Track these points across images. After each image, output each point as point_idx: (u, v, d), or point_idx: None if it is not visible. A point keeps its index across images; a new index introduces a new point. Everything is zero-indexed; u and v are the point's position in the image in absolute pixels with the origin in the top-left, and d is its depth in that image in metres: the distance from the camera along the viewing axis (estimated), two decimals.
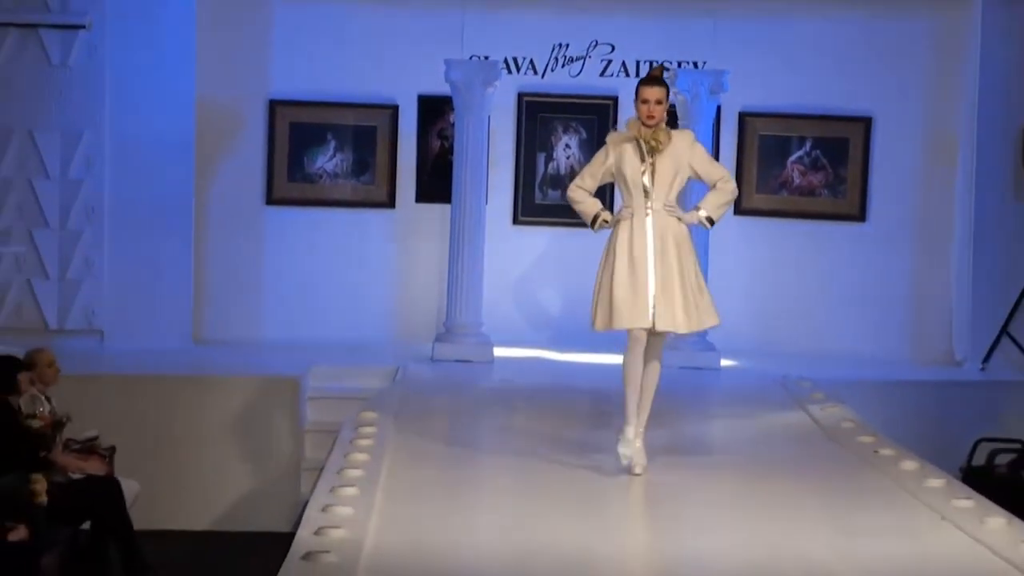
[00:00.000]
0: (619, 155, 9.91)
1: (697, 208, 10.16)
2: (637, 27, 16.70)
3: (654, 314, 9.71)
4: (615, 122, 16.90)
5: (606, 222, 10.12)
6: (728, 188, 10.03)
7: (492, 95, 16.01)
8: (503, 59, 16.41)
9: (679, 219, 9.92)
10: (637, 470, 9.98)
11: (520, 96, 16.94)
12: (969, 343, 16.10)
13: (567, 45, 16.89)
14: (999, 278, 16.01)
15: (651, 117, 9.71)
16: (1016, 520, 9.68)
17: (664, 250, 9.76)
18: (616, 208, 10.76)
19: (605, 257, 10.06)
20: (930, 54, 16.61)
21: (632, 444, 10.03)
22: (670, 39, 16.45)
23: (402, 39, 16.52)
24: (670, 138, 9.78)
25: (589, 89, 17.03)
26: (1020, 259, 15.97)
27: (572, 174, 17.02)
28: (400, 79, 16.72)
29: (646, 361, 9.94)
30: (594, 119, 17.10)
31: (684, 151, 9.86)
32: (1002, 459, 13.41)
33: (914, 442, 11.94)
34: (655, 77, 9.84)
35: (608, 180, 10.29)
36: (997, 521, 9.56)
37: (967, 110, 16.38)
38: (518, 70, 16.81)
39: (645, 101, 9.72)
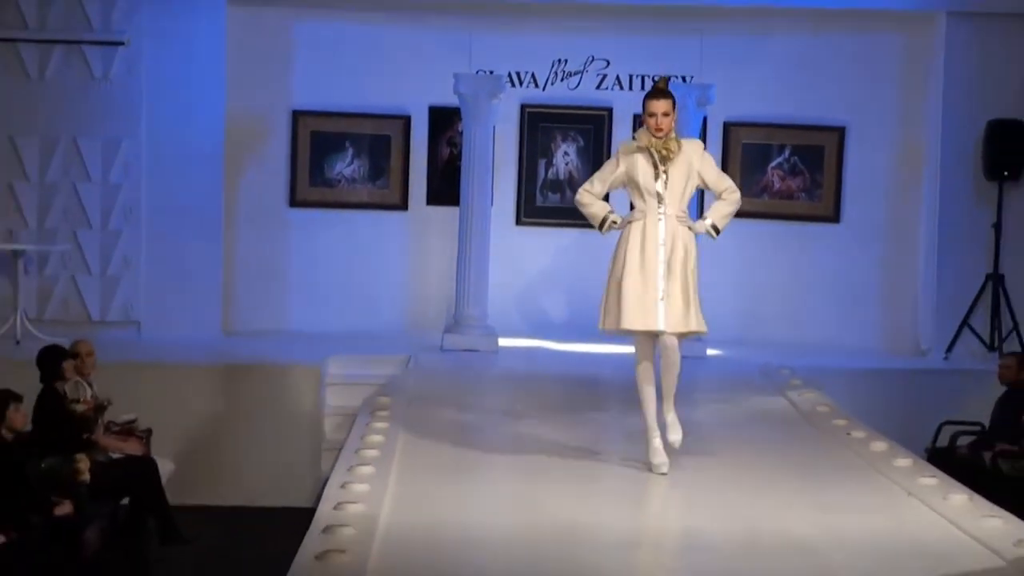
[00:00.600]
0: (631, 164, 9.41)
1: (704, 218, 9.72)
2: (630, 44, 16.69)
3: (661, 316, 9.21)
4: (610, 132, 16.97)
5: (615, 223, 9.60)
6: (734, 199, 9.56)
7: (497, 106, 15.98)
8: (507, 73, 16.39)
9: (689, 227, 9.45)
10: (663, 468, 9.48)
11: (523, 107, 16.93)
12: (934, 334, 16.12)
13: (566, 61, 16.87)
14: (961, 275, 16.02)
15: (659, 129, 9.24)
16: (976, 496, 9.72)
17: (673, 255, 9.26)
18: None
19: (615, 259, 9.51)
20: (899, 69, 16.62)
21: (659, 451, 9.55)
22: (660, 55, 16.42)
23: (414, 55, 16.52)
24: (680, 147, 9.33)
25: (586, 101, 17.01)
26: (980, 258, 15.98)
27: (571, 179, 17.12)
28: (412, 91, 16.72)
29: (664, 357, 9.42)
30: (591, 128, 17.11)
31: (695, 160, 9.40)
32: (963, 441, 13.41)
33: (883, 425, 11.96)
34: (660, 90, 9.34)
35: (617, 187, 9.79)
36: (959, 497, 9.60)
37: (933, 120, 16.39)
38: (521, 83, 16.80)
39: (652, 114, 9.26)
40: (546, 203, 17.16)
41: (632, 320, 9.23)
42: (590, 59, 16.85)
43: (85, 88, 16.10)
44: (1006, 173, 16.02)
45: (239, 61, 16.16)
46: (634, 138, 9.55)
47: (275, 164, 16.82)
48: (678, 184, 9.32)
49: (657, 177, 9.28)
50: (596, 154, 16.97)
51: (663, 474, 9.37)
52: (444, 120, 16.75)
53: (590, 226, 16.47)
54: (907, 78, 16.61)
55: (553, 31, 16.64)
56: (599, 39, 16.70)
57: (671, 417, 9.56)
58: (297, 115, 16.83)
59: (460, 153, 16.13)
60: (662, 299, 9.19)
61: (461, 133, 16.08)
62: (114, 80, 16.08)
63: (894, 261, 16.79)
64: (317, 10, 16.36)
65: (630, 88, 16.84)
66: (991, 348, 15.57)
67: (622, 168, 9.47)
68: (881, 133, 16.54)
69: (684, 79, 15.90)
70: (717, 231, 9.58)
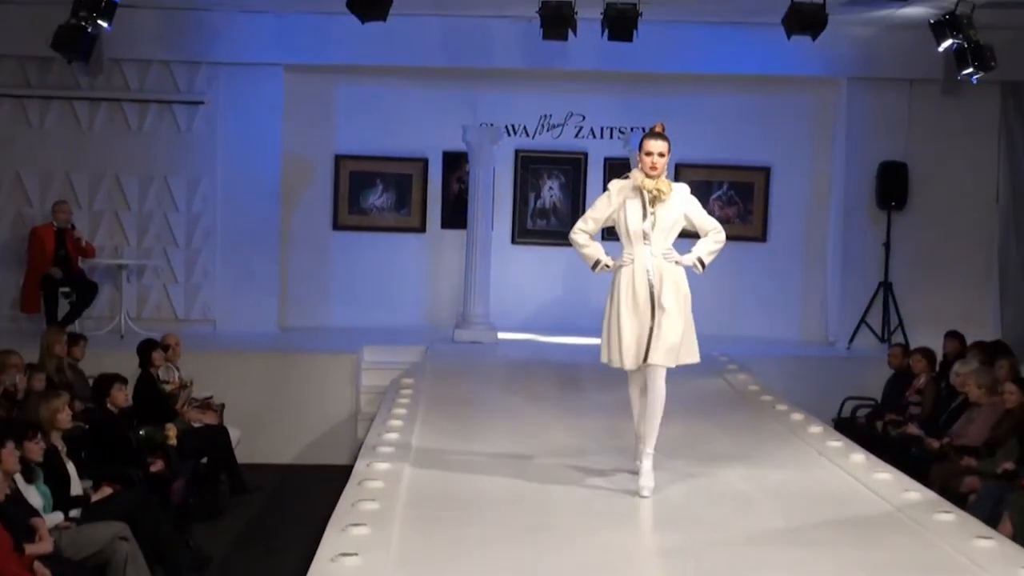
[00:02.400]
0: (622, 202, 8.03)
1: (692, 252, 8.21)
2: (601, 102, 16.66)
3: (650, 348, 7.91)
4: (586, 171, 16.94)
5: (607, 267, 8.19)
6: (719, 238, 8.26)
7: (496, 151, 15.98)
8: (504, 126, 16.33)
9: (676, 262, 8.07)
10: (644, 493, 7.99)
11: (517, 152, 16.88)
12: (838, 329, 16.10)
13: (550, 115, 16.83)
14: (859, 283, 16.02)
15: (654, 168, 7.94)
16: (872, 456, 9.75)
17: (664, 291, 7.92)
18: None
19: (610, 299, 8.14)
20: (811, 121, 16.61)
21: (645, 473, 8.07)
22: (625, 110, 16.44)
23: (431, 110, 16.49)
24: (671, 189, 7.99)
25: (566, 147, 16.95)
26: (874, 270, 15.97)
27: (555, 208, 17.10)
28: (430, 140, 16.67)
29: (648, 390, 8.06)
30: (570, 169, 17.05)
31: (682, 202, 8.05)
32: (861, 412, 13.44)
33: (800, 400, 11.95)
34: (658, 133, 8.17)
35: (609, 224, 8.29)
36: (858, 456, 9.64)
37: (837, 162, 16.38)
38: (515, 133, 16.75)
39: (649, 153, 8.00)
40: (535, 227, 17.14)
41: (628, 361, 7.99)
42: (570, 114, 16.82)
43: (173, 138, 16.10)
44: (893, 203, 16.01)
45: (293, 116, 16.14)
46: (627, 177, 8.15)
47: (321, 196, 16.78)
48: (665, 224, 7.98)
49: (645, 217, 7.95)
50: (575, 189, 17.02)
51: (642, 495, 7.94)
52: (454, 162, 16.72)
53: (570, 245, 16.76)
54: (817, 129, 16.60)
55: (540, 92, 16.62)
56: (577, 98, 16.68)
57: (647, 464, 8.05)
58: (339, 158, 16.79)
59: (467, 188, 16.10)
60: (654, 335, 7.91)
61: (468, 172, 16.04)
62: (196, 131, 16.07)
63: (808, 271, 16.77)
64: (354, 76, 16.33)
65: (601, 137, 16.85)
66: (882, 340, 15.56)
67: (614, 205, 8.09)
68: (798, 172, 16.54)
69: (643, 129, 15.86)
70: (703, 265, 8.21)
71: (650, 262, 7.96)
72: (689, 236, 8.24)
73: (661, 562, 6.81)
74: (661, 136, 8.08)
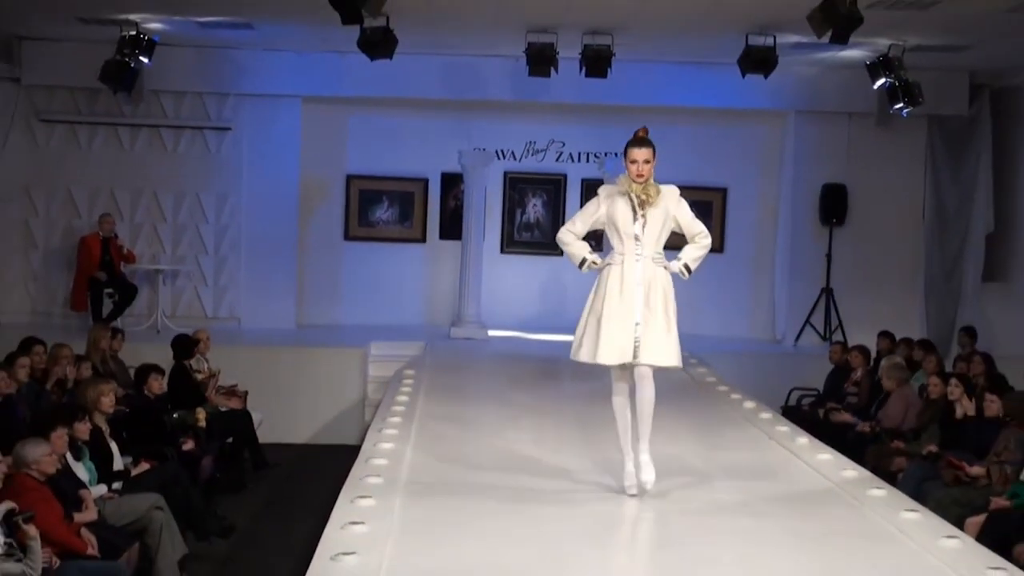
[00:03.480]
0: (611, 206, 7.28)
1: (678, 259, 7.49)
2: (579, 130, 16.63)
3: (638, 348, 7.17)
4: (565, 190, 16.93)
5: (594, 263, 7.45)
6: (705, 243, 7.52)
7: (488, 173, 15.97)
8: (495, 150, 16.35)
9: (665, 267, 7.34)
10: (633, 491, 7.39)
11: (505, 173, 16.85)
12: (786, 329, 16.11)
13: (535, 141, 16.81)
14: (804, 289, 16.02)
15: (640, 175, 7.16)
16: (815, 440, 9.76)
17: (651, 294, 7.20)
18: (604, 252, 7.75)
19: (595, 296, 7.34)
20: (763, 149, 16.62)
21: (631, 475, 7.44)
22: (600, 137, 16.40)
23: (431, 136, 16.47)
24: (659, 192, 7.25)
25: (548, 170, 16.92)
26: (817, 277, 15.99)
27: (538, 223, 17.08)
28: (429, 162, 16.63)
29: (638, 390, 7.30)
30: (551, 188, 17.02)
31: (671, 205, 7.31)
32: (805, 401, 13.47)
33: (752, 390, 11.94)
34: (641, 138, 7.33)
35: (598, 228, 7.55)
36: (802, 440, 9.65)
37: (786, 184, 16.39)
38: (504, 157, 16.73)
39: (634, 161, 7.19)
40: (521, 239, 17.12)
41: (607, 356, 7.18)
42: (551, 141, 16.79)
43: (204, 159, 16.08)
44: (834, 220, 16.03)
45: (309, 140, 16.10)
46: (615, 182, 7.38)
47: (334, 211, 16.75)
48: (655, 227, 7.24)
49: (635, 220, 7.21)
50: (556, 206, 16.98)
51: (633, 495, 7.34)
52: (451, 182, 16.68)
53: (554, 255, 16.77)
54: (768, 155, 16.61)
55: (526, 121, 16.60)
56: (558, 127, 16.66)
57: (645, 458, 7.36)
58: (349, 177, 16.75)
59: (462, 204, 16.08)
60: (639, 334, 7.16)
61: (463, 191, 16.04)
62: (224, 154, 16.05)
63: (759, 279, 16.76)
64: (363, 106, 16.28)
65: (579, 161, 16.81)
66: (824, 338, 15.58)
67: (603, 209, 7.33)
68: (751, 193, 16.55)
69: (616, 154, 15.85)
70: (689, 271, 7.50)
71: (641, 264, 7.21)
72: (675, 247, 7.58)
73: (632, 527, 6.84)
74: (645, 142, 7.27)
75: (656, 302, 7.21)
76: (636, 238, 7.20)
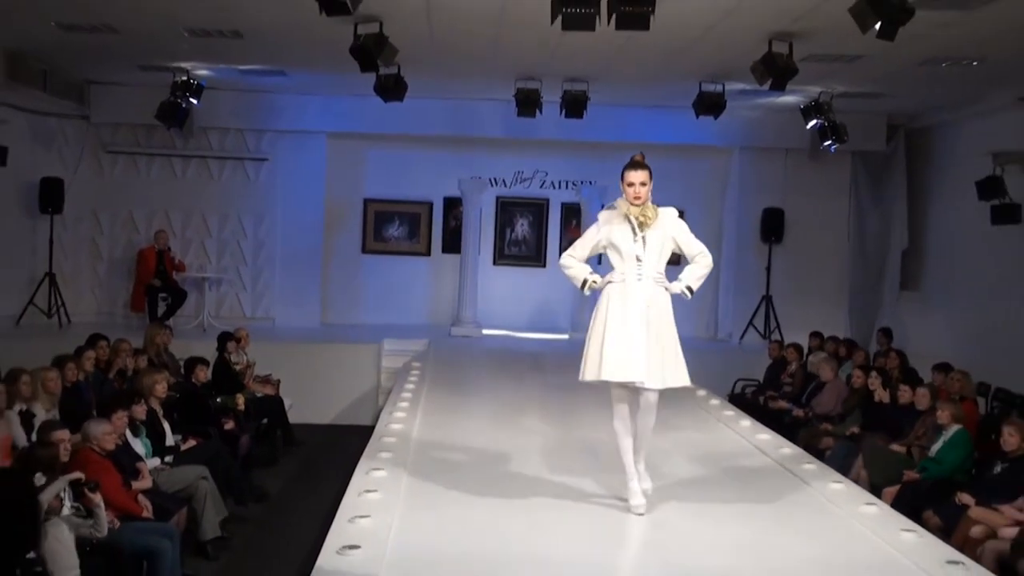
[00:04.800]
0: (610, 230, 6.37)
1: (680, 279, 6.49)
2: (559, 162, 16.61)
3: (647, 370, 6.21)
4: (548, 213, 16.94)
5: (595, 283, 6.53)
6: (706, 262, 6.56)
7: (482, 197, 16.06)
8: (489, 178, 16.39)
9: (666, 288, 6.39)
10: (640, 511, 6.41)
11: (497, 198, 16.86)
12: (732, 328, 16.12)
13: (522, 171, 16.80)
14: (748, 296, 16.04)
15: (637, 197, 6.28)
16: (756, 422, 9.79)
17: (652, 315, 6.26)
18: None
19: (596, 316, 6.39)
20: (713, 177, 16.61)
21: (636, 494, 6.50)
22: (577, 168, 16.44)
23: (435, 166, 16.46)
24: (657, 214, 6.36)
25: (533, 195, 16.93)
26: (758, 286, 16.00)
27: (524, 239, 17.08)
28: (433, 188, 16.64)
29: (641, 413, 6.41)
30: (536, 210, 17.00)
31: (670, 226, 6.41)
32: (748, 390, 13.50)
33: (703, 381, 11.85)
34: (638, 162, 6.44)
35: (598, 252, 6.59)
36: (745, 422, 9.68)
37: (730, 208, 16.44)
38: (496, 184, 16.74)
39: (631, 184, 6.31)
40: (510, 253, 17.09)
41: (612, 372, 6.20)
42: (536, 171, 16.81)
43: (244, 185, 16.06)
44: (773, 239, 16.06)
45: (333, 170, 16.11)
46: (614, 206, 6.47)
47: (353, 229, 16.75)
48: (655, 248, 6.32)
49: (636, 241, 6.31)
50: (539, 226, 17.00)
51: (640, 515, 6.38)
52: (451, 205, 16.69)
53: (538, 266, 16.86)
54: (717, 183, 16.62)
55: (515, 154, 16.59)
56: (541, 159, 16.66)
57: (641, 467, 6.60)
58: (366, 201, 16.75)
59: (461, 223, 16.11)
60: (643, 355, 6.20)
61: (462, 212, 16.07)
62: (261, 181, 16.04)
63: (707, 287, 16.73)
64: (378, 141, 16.27)
65: (559, 188, 16.80)
66: (764, 337, 15.57)
67: (603, 233, 6.41)
68: (702, 215, 16.38)
69: (591, 182, 15.91)
70: (691, 292, 6.49)
71: (643, 284, 6.29)
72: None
73: (600, 497, 6.79)
74: (641, 165, 6.40)
75: (656, 325, 6.28)
76: (637, 259, 6.30)
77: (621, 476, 6.63)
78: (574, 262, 6.57)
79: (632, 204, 6.30)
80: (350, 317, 16.47)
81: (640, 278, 6.28)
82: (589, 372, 6.29)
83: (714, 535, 6.18)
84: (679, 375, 6.30)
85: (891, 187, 15.96)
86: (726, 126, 14.30)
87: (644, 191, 6.29)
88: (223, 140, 16.02)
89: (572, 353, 11.51)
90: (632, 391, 6.36)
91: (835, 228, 16.30)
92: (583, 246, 6.54)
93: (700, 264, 6.49)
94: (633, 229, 6.32)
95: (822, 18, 9.02)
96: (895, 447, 9.52)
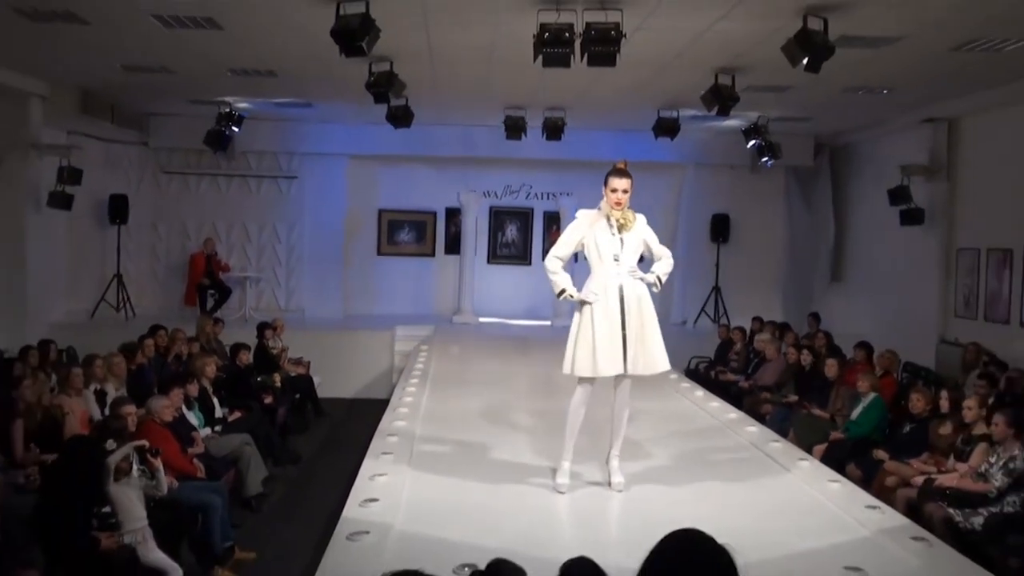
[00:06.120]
0: (592, 230, 5.93)
1: (652, 271, 6.06)
2: (542, 176, 16.56)
3: (629, 361, 5.83)
4: (532, 220, 16.92)
5: (571, 296, 5.94)
6: (670, 262, 6.21)
7: (478, 207, 16.06)
8: (483, 191, 16.40)
9: (641, 279, 5.95)
10: (563, 489, 5.90)
11: (491, 208, 16.84)
12: (687, 314, 16.14)
13: (511, 185, 16.77)
14: (699, 287, 16.07)
15: (619, 203, 5.88)
16: (708, 392, 9.83)
17: (632, 308, 5.84)
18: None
19: (581, 316, 5.87)
20: (670, 188, 16.50)
21: (566, 472, 6.02)
22: (556, 182, 16.43)
23: (438, 182, 16.42)
24: (634, 218, 5.96)
25: (521, 205, 16.90)
26: (708, 279, 16.02)
27: (513, 242, 17.05)
28: (437, 200, 16.61)
29: (618, 397, 6.01)
30: (523, 218, 16.97)
31: (642, 229, 6.00)
32: (701, 366, 13.52)
33: None
34: (621, 170, 6.00)
35: (578, 250, 6.07)
36: (699, 393, 9.71)
37: (685, 215, 16.44)
38: (489, 196, 16.72)
39: (615, 190, 5.89)
40: (501, 254, 17.05)
41: (605, 368, 5.79)
42: (522, 184, 16.80)
43: (278, 199, 16.02)
44: (721, 239, 16.07)
45: (352, 185, 16.05)
46: (599, 208, 6.01)
47: (369, 234, 16.71)
48: (631, 248, 5.92)
49: (615, 241, 5.89)
50: (525, 230, 16.95)
51: (562, 493, 5.87)
52: (452, 214, 16.68)
53: (524, 264, 16.85)
54: (673, 194, 16.56)
55: (505, 171, 16.53)
56: (527, 175, 16.63)
57: (615, 463, 6.11)
58: (381, 211, 16.71)
59: (460, 229, 16.11)
60: (631, 347, 5.83)
61: (461, 220, 16.07)
62: (292, 195, 15.99)
63: (668, 280, 16.73)
64: (390, 161, 16.17)
65: (542, 199, 16.80)
66: (714, 321, 15.59)
67: (584, 233, 5.96)
68: (661, 220, 16.00)
69: (569, 193, 15.92)
70: (661, 282, 6.09)
71: (623, 279, 5.89)
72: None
73: (576, 454, 6.78)
74: (625, 173, 5.98)
75: (643, 315, 5.91)
76: (616, 258, 5.89)
77: (592, 438, 6.61)
78: (559, 267, 6.02)
79: (614, 208, 5.92)
80: (367, 308, 16.44)
81: (618, 274, 5.88)
82: (582, 368, 5.82)
83: (671, 486, 6.19)
84: (660, 361, 5.96)
85: (818, 195, 16.01)
86: (680, 146, 14.32)
87: (625, 198, 5.91)
88: (260, 161, 15.97)
89: (554, 336, 11.60)
90: (615, 380, 5.93)
91: (772, 230, 16.32)
92: (566, 244, 6.03)
93: (665, 263, 6.17)
94: (613, 230, 5.93)
95: (759, 55, 9.06)
96: (818, 413, 9.56)
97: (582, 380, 5.93)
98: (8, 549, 4.93)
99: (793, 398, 10.43)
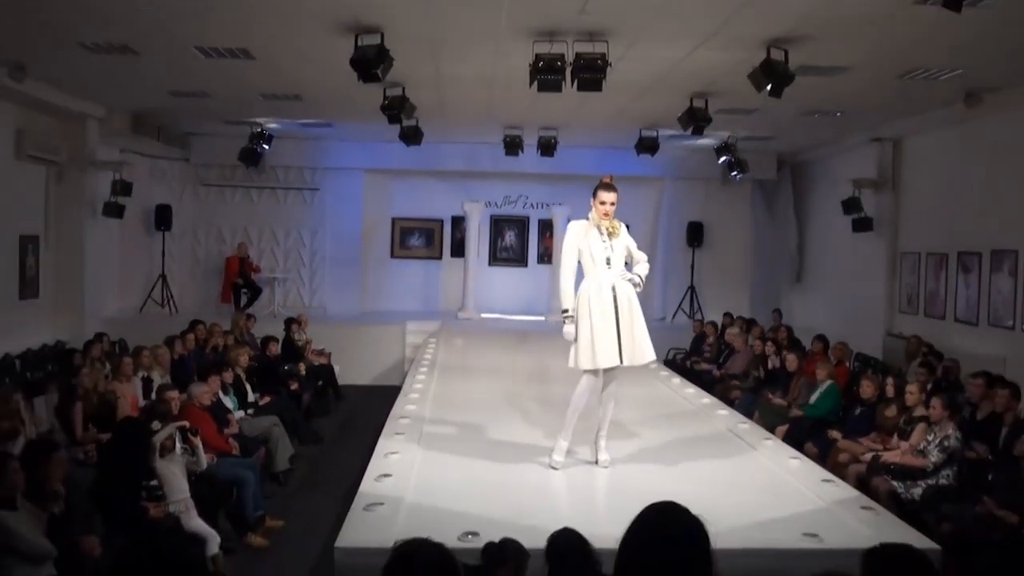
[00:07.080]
0: (586, 239, 5.94)
1: (635, 272, 6.01)
2: (537, 188, 16.52)
3: (624, 353, 5.84)
4: (528, 227, 16.86)
5: (569, 318, 5.87)
6: (647, 264, 6.15)
7: (481, 216, 15.99)
8: (484, 201, 16.35)
9: (629, 280, 5.97)
10: (557, 466, 5.94)
11: (491, 216, 16.79)
12: (665, 311, 16.09)
13: (510, 196, 16.72)
14: (676, 287, 16.06)
15: (607, 214, 5.90)
16: (684, 380, 9.83)
17: (622, 306, 5.87)
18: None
19: (580, 316, 5.86)
20: (650, 199, 16.43)
21: (562, 450, 6.05)
22: (549, 194, 16.38)
23: (445, 193, 16.37)
24: (620, 226, 6.04)
25: (518, 214, 16.84)
26: (685, 279, 16.00)
27: (511, 247, 16.97)
28: (444, 209, 16.55)
29: (607, 386, 6.07)
30: (520, 225, 16.90)
31: (625, 236, 6.05)
32: (678, 356, 13.51)
33: None
34: (608, 184, 6.04)
35: (579, 259, 5.98)
36: (676, 380, 9.73)
37: (664, 222, 16.39)
38: (490, 206, 16.69)
39: (603, 202, 5.93)
40: (501, 257, 16.97)
41: (605, 361, 5.80)
42: (519, 195, 16.77)
43: (302, 208, 15.96)
44: (696, 244, 16.04)
45: (368, 196, 15.99)
46: (588, 219, 6.01)
47: (384, 240, 16.66)
48: (619, 253, 5.99)
49: (606, 248, 5.93)
50: (522, 236, 16.88)
51: (555, 469, 5.91)
52: (458, 222, 16.62)
53: (521, 266, 16.81)
54: (652, 204, 16.48)
55: (504, 183, 16.44)
56: (523, 187, 16.56)
57: (603, 443, 6.14)
58: (394, 219, 16.67)
59: (465, 235, 16.07)
60: (624, 340, 5.85)
61: (465, 227, 16.05)
62: (315, 205, 15.94)
63: (649, 281, 16.70)
64: (403, 175, 16.09)
65: (537, 208, 16.73)
66: (690, 317, 15.58)
67: (580, 244, 5.96)
68: (643, 228, 16.25)
69: (560, 203, 15.90)
70: (642, 280, 6.02)
71: (614, 281, 5.91)
72: None
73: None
74: (612, 187, 6.00)
75: (633, 312, 5.92)
76: (608, 262, 5.93)
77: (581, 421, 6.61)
78: (570, 286, 5.94)
79: (602, 218, 5.94)
80: (382, 305, 16.40)
81: (610, 277, 5.90)
82: (585, 362, 5.83)
83: (651, 463, 6.20)
84: (648, 352, 5.97)
85: (781, 205, 16.03)
86: (659, 161, 14.30)
87: (612, 209, 5.93)
88: (287, 175, 15.92)
89: (548, 330, 11.60)
90: (605, 370, 5.97)
91: (741, 236, 16.30)
92: (570, 258, 5.98)
93: (643, 266, 6.16)
94: (604, 238, 5.95)
95: (729, 82, 9.08)
96: (777, 400, 9.57)
97: (586, 371, 5.95)
98: (72, 517, 4.95)
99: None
